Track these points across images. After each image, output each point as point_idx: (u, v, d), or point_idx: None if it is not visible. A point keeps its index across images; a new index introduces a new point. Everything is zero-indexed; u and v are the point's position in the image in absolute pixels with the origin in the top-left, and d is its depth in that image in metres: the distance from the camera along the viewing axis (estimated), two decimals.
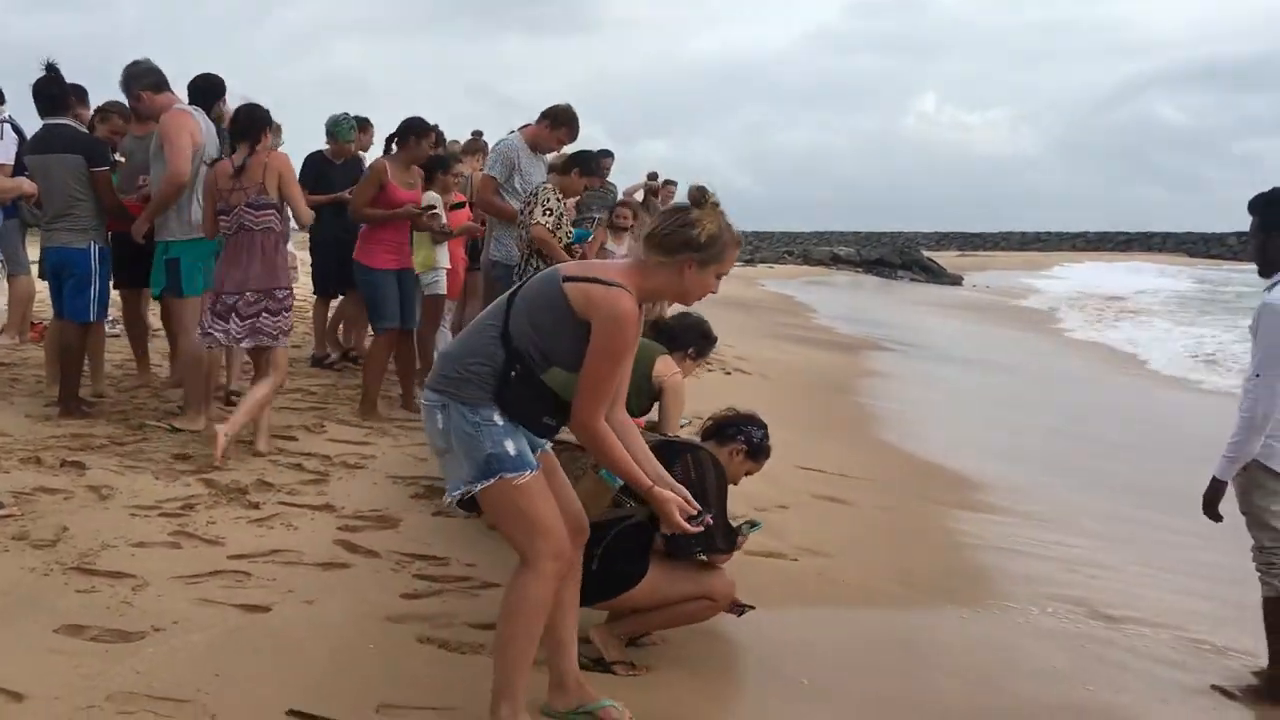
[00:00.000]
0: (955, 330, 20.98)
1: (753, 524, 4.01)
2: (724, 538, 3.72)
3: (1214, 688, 4.19)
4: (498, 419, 2.96)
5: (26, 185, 5.85)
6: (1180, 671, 4.39)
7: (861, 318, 21.84)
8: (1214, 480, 4.12)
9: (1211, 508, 4.15)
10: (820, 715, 3.66)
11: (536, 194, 6.36)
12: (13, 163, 6.32)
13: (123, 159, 6.62)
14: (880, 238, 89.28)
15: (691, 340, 5.34)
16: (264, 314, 5.65)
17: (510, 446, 2.96)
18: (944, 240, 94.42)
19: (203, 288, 6.05)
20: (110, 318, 7.81)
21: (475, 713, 3.20)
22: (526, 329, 2.97)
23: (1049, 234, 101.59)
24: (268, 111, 5.76)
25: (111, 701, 3.06)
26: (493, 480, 2.95)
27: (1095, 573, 5.68)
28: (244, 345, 5.90)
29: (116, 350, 7.96)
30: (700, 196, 3.05)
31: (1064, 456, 9.23)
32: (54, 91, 5.94)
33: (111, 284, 6.44)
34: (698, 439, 4.13)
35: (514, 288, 3.15)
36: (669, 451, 3.67)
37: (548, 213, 6.25)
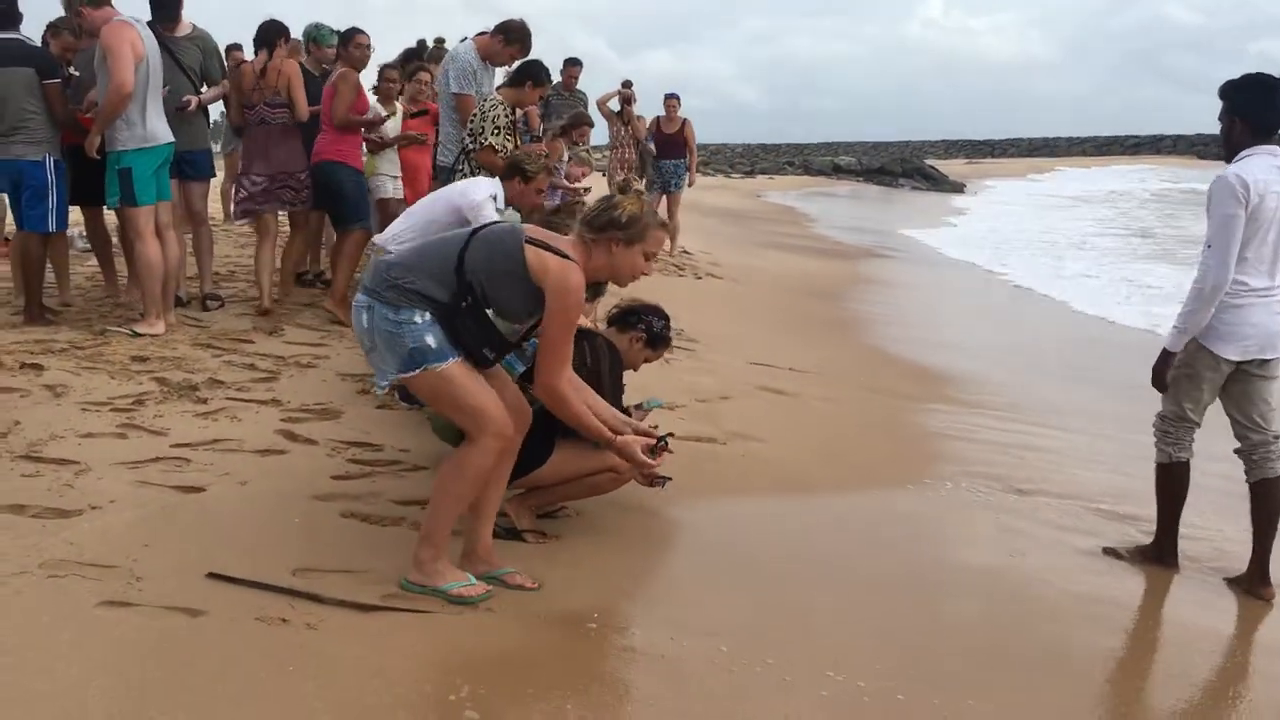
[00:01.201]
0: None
1: (652, 403, 4.22)
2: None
3: (1105, 550, 4.43)
4: (417, 318, 3.21)
5: None
6: (1078, 536, 4.63)
7: (863, 226, 21.93)
8: (1163, 351, 4.20)
9: (1159, 378, 4.23)
10: (726, 582, 3.90)
11: (485, 111, 6.31)
12: None
13: (76, 73, 6.73)
14: (889, 148, 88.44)
15: (635, 319, 4.36)
16: (288, 190, 7.18)
17: (431, 340, 3.21)
18: (952, 149, 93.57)
19: (155, 197, 6.22)
20: (82, 234, 8.01)
21: (387, 574, 3.46)
22: (481, 268, 3.24)
23: (1057, 139, 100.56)
24: (284, 25, 7.18)
25: (44, 568, 3.30)
26: (418, 371, 3.22)
27: (1025, 454, 5.91)
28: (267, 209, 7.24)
29: (91, 264, 8.17)
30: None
31: (1057, 356, 9.35)
32: (3, 7, 6.04)
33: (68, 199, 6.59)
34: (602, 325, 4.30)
35: (477, 227, 3.42)
36: None
37: (497, 131, 6.27)
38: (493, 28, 6.81)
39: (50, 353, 5.69)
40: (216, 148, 13.21)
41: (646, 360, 4.36)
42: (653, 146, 12.49)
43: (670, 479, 4.23)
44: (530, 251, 3.23)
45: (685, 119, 12.64)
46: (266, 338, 6.48)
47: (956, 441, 6.05)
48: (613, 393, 3.95)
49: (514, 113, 6.40)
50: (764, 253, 16.21)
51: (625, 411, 4.03)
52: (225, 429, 4.75)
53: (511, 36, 6.69)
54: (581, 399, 3.47)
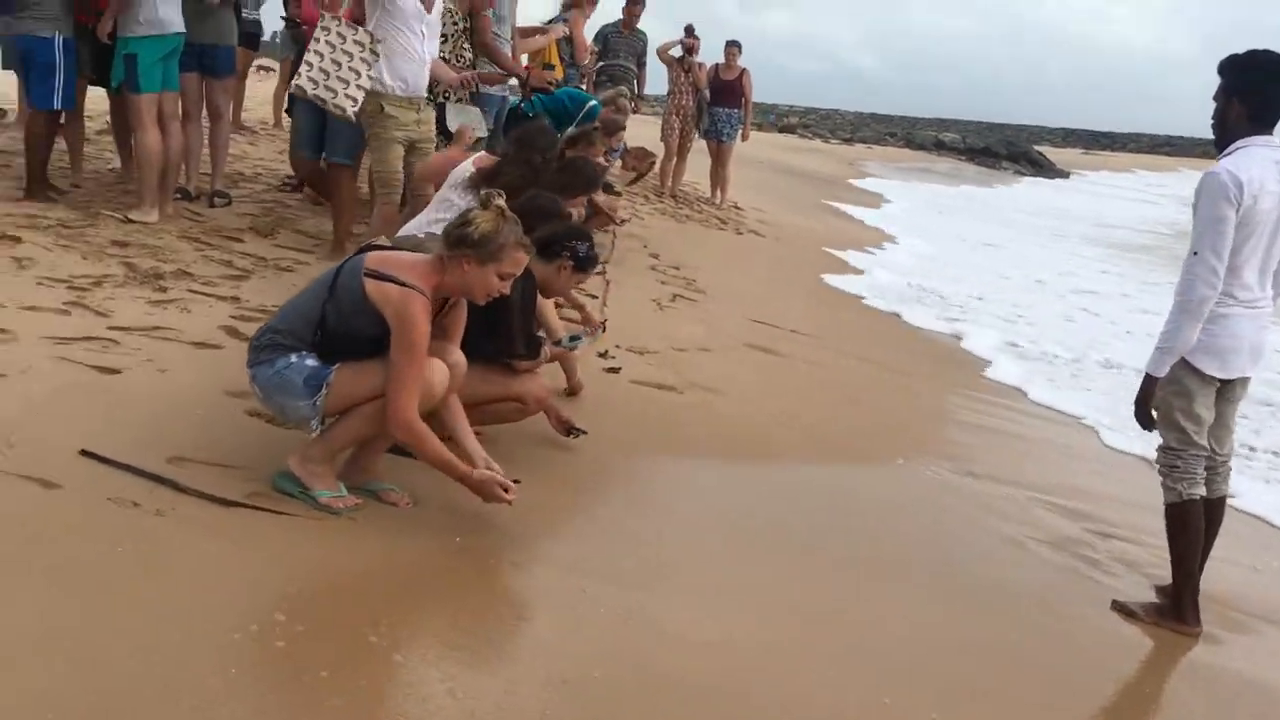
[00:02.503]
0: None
1: (575, 337, 4.13)
2: (525, 345, 3.84)
3: (1115, 606, 3.85)
4: (293, 358, 3.30)
5: None
6: (1005, 522, 4.47)
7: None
8: (1145, 377, 3.66)
9: (1141, 410, 3.70)
10: (619, 529, 3.82)
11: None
12: None
13: None
14: (1003, 129, 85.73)
15: (559, 246, 4.17)
16: None
17: (311, 362, 3.30)
18: (1070, 137, 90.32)
19: (160, 86, 6.24)
20: None
21: (263, 475, 3.43)
22: (336, 321, 3.29)
23: (1181, 138, 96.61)
24: None
25: None
26: (324, 393, 3.26)
27: (993, 440, 5.72)
28: None
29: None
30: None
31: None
32: None
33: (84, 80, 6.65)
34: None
35: (330, 283, 3.35)
36: None
37: (442, 40, 6.15)
38: None
39: (35, 228, 5.76)
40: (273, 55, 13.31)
41: (577, 284, 4.25)
42: (708, 93, 12.25)
43: (584, 432, 4.20)
44: (369, 285, 3.21)
45: (744, 69, 12.37)
46: (258, 238, 6.50)
47: (930, 421, 5.85)
48: (523, 321, 3.86)
49: (469, 20, 6.32)
50: (819, 215, 15.90)
51: (538, 342, 3.94)
52: (169, 318, 4.76)
53: None
54: (451, 421, 3.48)
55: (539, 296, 4.15)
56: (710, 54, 12.56)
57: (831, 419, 5.57)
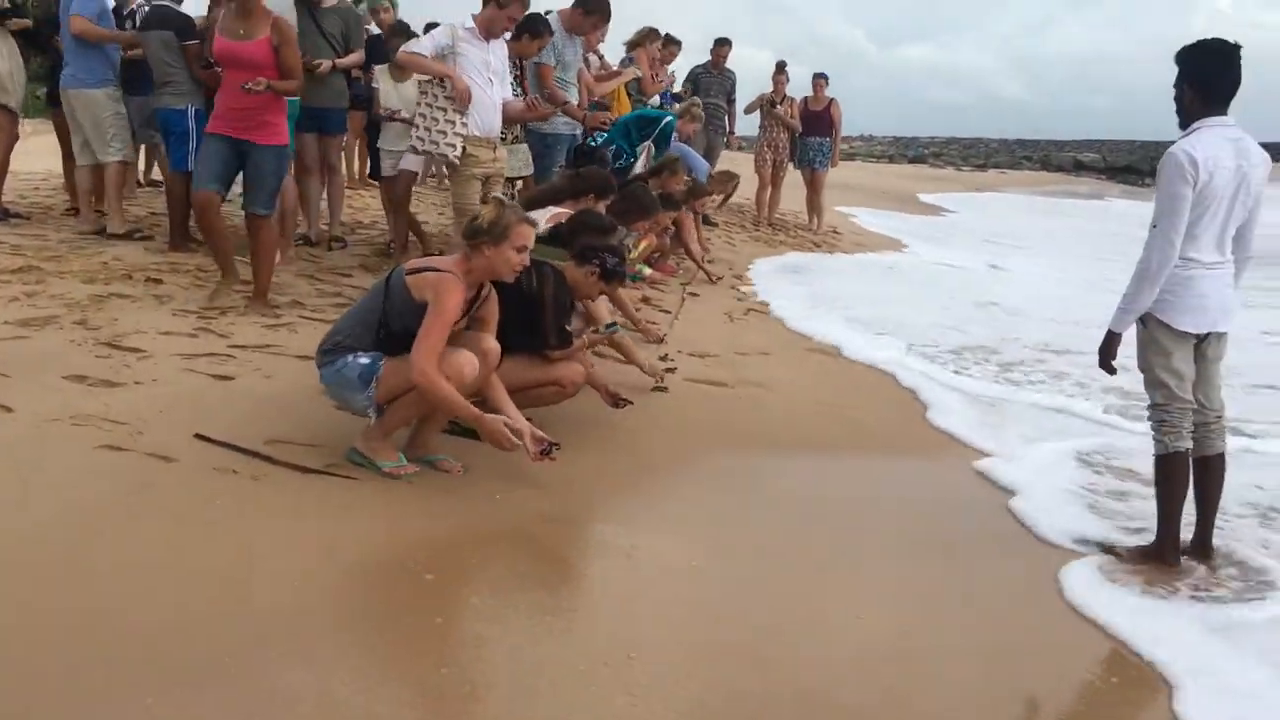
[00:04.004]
0: None
1: (611, 325, 4.78)
2: (556, 336, 4.45)
3: (1101, 547, 4.19)
4: (349, 358, 3.97)
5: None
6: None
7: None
8: (1108, 332, 4.10)
9: (1104, 358, 4.12)
10: (660, 491, 4.37)
11: None
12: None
13: None
14: (1156, 147, 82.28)
15: (592, 254, 4.70)
16: None
17: (365, 359, 3.95)
18: None
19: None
20: None
21: (341, 451, 4.12)
22: (398, 320, 3.93)
23: None
24: None
25: (73, 419, 4.14)
26: (374, 384, 3.93)
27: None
28: None
29: None
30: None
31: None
32: None
33: None
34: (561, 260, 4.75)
35: (386, 275, 4.09)
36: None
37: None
38: (574, 1, 7.41)
39: (176, 272, 6.71)
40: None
41: (603, 293, 4.85)
42: (800, 126, 12.77)
43: (630, 402, 4.80)
44: (410, 280, 3.89)
45: (832, 99, 12.85)
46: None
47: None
48: (555, 317, 4.47)
49: (520, 66, 6.98)
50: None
51: (569, 335, 4.54)
52: (280, 338, 5.55)
53: (591, 7, 7.29)
54: (496, 396, 4.09)
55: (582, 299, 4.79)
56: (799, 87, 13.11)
57: (883, 418, 5.88)
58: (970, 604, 3.69)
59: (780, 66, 12.76)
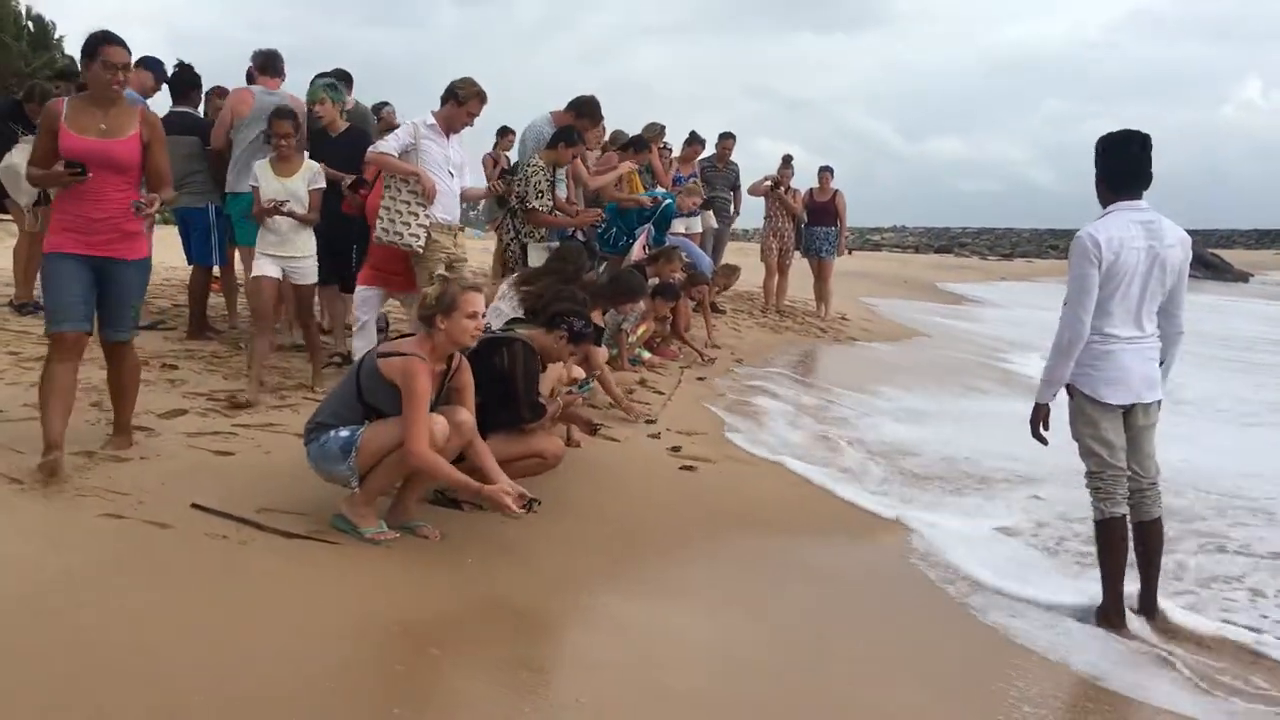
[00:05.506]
0: None
1: (583, 384, 5.08)
2: (529, 410, 4.72)
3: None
4: (331, 433, 4.28)
5: None
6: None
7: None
8: (1035, 405, 4.37)
9: (1034, 429, 4.38)
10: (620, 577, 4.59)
11: (528, 176, 7.55)
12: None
13: None
14: (1192, 235, 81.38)
15: (560, 320, 5.03)
16: None
17: (344, 432, 4.26)
18: (1264, 238, 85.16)
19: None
20: None
21: (327, 519, 4.38)
22: (372, 396, 4.26)
23: None
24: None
25: (78, 490, 4.44)
26: (354, 453, 4.22)
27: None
28: None
29: None
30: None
31: None
32: (183, 88, 7.68)
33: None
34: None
35: (359, 360, 4.48)
36: (492, 344, 4.73)
37: (540, 195, 7.38)
38: (566, 104, 7.89)
39: (191, 358, 7.08)
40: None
41: (571, 355, 5.14)
42: (805, 215, 13.14)
43: (605, 424, 5.09)
44: (381, 364, 4.22)
45: (837, 190, 13.25)
46: None
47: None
48: (525, 388, 4.75)
49: (553, 172, 7.42)
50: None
51: (541, 408, 4.81)
52: (282, 418, 5.86)
53: (582, 111, 7.75)
54: (482, 460, 4.29)
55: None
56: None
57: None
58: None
59: (786, 160, 13.17)
